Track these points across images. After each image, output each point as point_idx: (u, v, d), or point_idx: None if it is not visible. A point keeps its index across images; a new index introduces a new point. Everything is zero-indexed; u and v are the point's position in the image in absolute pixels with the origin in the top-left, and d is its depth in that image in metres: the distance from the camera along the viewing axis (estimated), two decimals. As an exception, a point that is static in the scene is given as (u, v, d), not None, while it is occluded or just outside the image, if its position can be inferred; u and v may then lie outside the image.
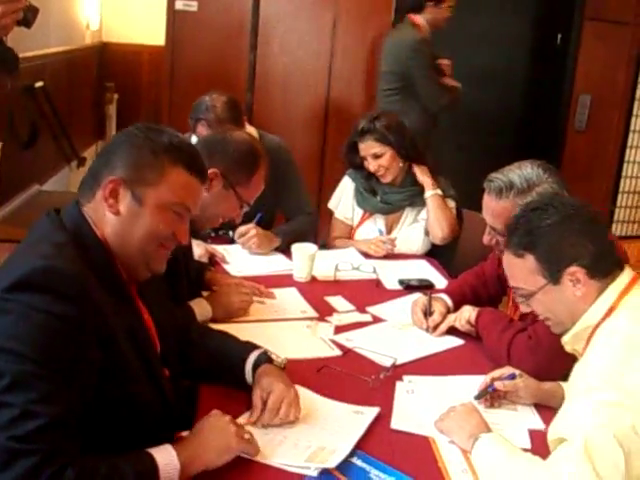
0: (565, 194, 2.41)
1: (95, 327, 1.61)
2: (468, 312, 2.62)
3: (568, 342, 2.01)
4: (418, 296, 2.83)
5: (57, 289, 1.56)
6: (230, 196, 2.60)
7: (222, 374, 2.15)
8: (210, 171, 2.53)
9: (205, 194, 2.52)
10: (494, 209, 2.49)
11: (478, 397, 2.17)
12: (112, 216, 1.76)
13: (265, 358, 2.10)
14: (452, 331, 2.66)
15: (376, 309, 2.85)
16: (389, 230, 3.60)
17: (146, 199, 1.76)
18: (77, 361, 1.58)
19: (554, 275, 1.94)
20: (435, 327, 2.66)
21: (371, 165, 3.47)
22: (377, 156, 3.45)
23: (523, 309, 2.11)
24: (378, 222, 3.61)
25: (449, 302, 2.77)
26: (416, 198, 3.54)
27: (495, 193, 2.47)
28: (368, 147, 3.45)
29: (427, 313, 2.69)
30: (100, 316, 1.64)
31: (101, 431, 1.68)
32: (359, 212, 3.65)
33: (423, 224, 3.55)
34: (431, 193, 3.48)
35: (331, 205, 3.75)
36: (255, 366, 2.08)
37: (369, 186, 3.59)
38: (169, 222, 1.80)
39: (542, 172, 2.44)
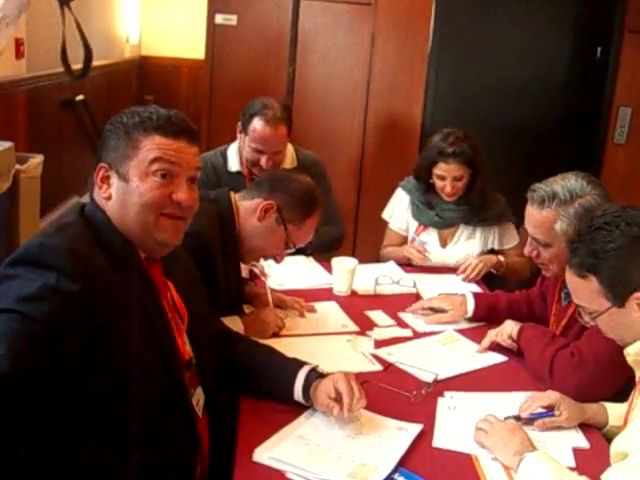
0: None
1: (89, 300, 1.62)
2: (510, 327, 2.60)
3: (632, 354, 1.94)
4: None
5: (49, 262, 1.61)
6: (279, 232, 2.60)
7: (268, 388, 2.16)
8: (267, 202, 2.57)
9: (257, 223, 2.56)
10: (536, 219, 2.48)
11: (514, 418, 2.14)
12: (108, 201, 1.82)
13: (315, 375, 2.11)
14: (494, 348, 2.64)
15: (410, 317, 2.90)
16: (443, 244, 3.60)
17: (129, 175, 1.79)
18: (58, 330, 1.57)
19: (619, 299, 1.88)
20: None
21: (448, 186, 3.42)
22: (457, 179, 3.42)
23: (588, 324, 2.07)
24: (432, 235, 3.60)
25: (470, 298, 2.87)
26: (471, 217, 3.53)
27: (537, 203, 2.46)
28: (452, 170, 3.39)
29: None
30: (99, 290, 1.65)
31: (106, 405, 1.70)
32: (414, 224, 3.65)
33: (478, 241, 3.55)
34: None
35: (385, 215, 3.75)
36: (306, 383, 2.09)
37: (426, 199, 3.57)
38: (156, 187, 1.79)
39: (585, 184, 2.43)
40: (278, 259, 2.73)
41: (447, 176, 3.41)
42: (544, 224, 2.45)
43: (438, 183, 3.45)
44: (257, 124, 3.36)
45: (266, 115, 3.34)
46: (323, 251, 3.27)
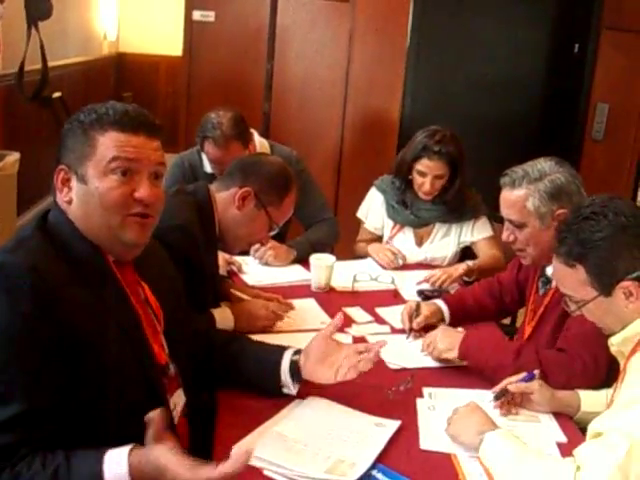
0: (579, 186, 2.46)
1: (57, 317, 1.60)
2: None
3: (615, 344, 1.97)
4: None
5: (7, 284, 1.58)
6: (261, 216, 2.60)
7: (252, 375, 2.14)
8: (243, 190, 2.56)
9: (237, 212, 2.55)
10: (509, 199, 2.53)
11: (497, 397, 2.17)
12: (69, 205, 1.75)
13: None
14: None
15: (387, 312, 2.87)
16: (420, 243, 3.59)
17: (88, 175, 1.72)
18: (34, 354, 1.57)
19: (606, 288, 1.90)
20: (418, 331, 2.68)
21: (427, 184, 3.38)
22: (438, 177, 3.40)
23: (573, 313, 2.09)
24: (407, 234, 3.60)
25: (443, 307, 2.79)
26: (447, 215, 3.53)
27: (509, 184, 2.52)
28: (434, 167, 3.36)
29: (413, 316, 2.71)
30: (64, 307, 1.62)
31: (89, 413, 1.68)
32: (389, 223, 3.64)
33: (453, 238, 3.56)
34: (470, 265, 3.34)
35: (360, 215, 3.73)
36: (292, 363, 2.10)
37: (401, 198, 3.55)
38: (116, 186, 1.72)
39: (554, 164, 2.50)
40: (264, 242, 2.81)
41: (428, 173, 3.38)
42: (516, 203, 2.50)
43: (417, 179, 3.42)
44: (208, 148, 3.41)
45: (214, 138, 3.36)
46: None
